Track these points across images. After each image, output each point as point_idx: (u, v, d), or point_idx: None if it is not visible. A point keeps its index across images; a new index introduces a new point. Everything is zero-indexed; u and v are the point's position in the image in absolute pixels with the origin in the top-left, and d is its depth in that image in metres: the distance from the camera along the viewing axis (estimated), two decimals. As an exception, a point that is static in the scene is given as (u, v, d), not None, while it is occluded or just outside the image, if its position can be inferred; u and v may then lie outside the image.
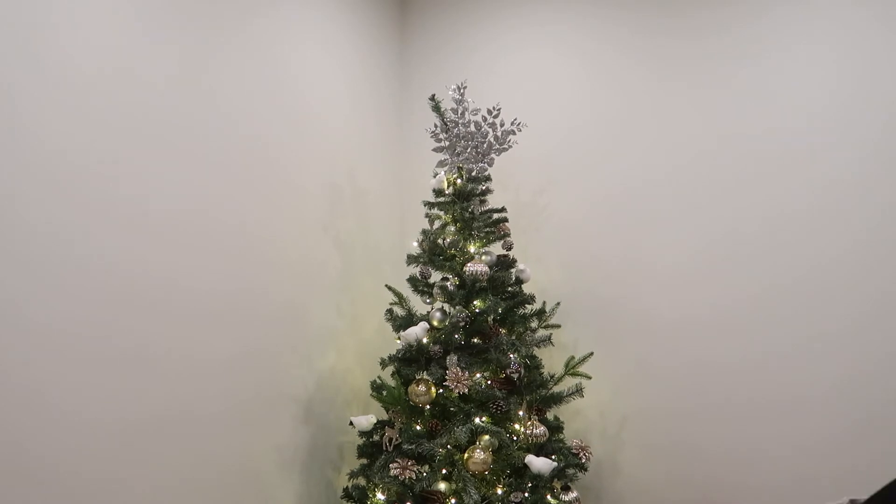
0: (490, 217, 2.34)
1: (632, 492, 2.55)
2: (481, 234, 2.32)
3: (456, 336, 2.21)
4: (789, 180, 2.32)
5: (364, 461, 2.29)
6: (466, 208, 2.31)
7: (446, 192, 2.34)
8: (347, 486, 2.31)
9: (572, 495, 2.14)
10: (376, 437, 2.29)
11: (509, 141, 2.33)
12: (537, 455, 2.16)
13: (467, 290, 2.23)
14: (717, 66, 2.45)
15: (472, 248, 2.30)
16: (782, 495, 2.27)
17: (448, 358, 2.17)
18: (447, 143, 2.35)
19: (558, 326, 2.48)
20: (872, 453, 2.14)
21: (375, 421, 2.31)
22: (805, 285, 2.27)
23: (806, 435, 2.25)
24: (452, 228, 2.33)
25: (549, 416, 2.37)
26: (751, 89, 2.39)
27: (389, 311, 2.37)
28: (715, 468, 2.40)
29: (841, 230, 2.23)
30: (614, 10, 2.64)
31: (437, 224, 2.37)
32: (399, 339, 2.25)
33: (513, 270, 2.36)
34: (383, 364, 2.28)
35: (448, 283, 2.27)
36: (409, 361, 2.23)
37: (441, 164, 2.36)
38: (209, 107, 2.07)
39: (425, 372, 2.19)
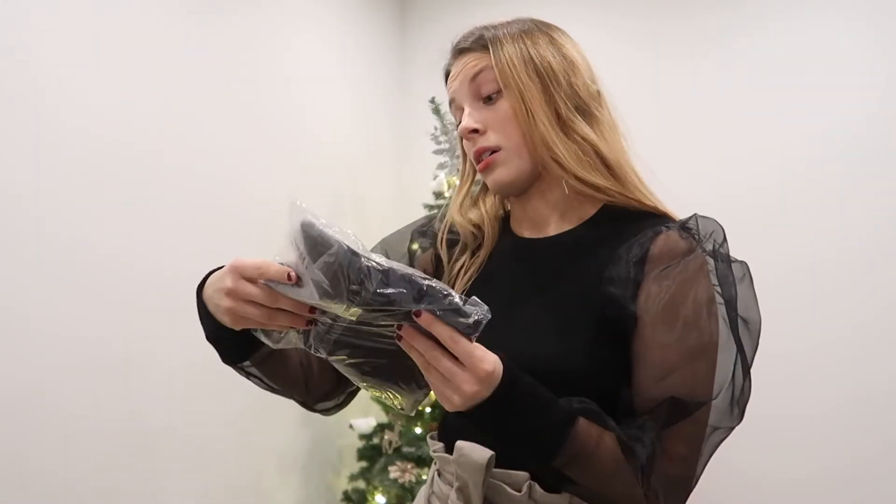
0: (490, 219, 2.33)
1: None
2: (481, 237, 2.31)
3: (456, 339, 2.20)
4: (787, 155, 2.27)
5: (364, 464, 2.29)
6: (466, 211, 2.30)
7: (446, 195, 2.34)
8: (347, 490, 2.31)
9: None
10: (376, 440, 2.29)
11: (509, 143, 2.32)
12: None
13: (467, 292, 2.22)
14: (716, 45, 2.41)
15: (472, 251, 2.29)
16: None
17: (448, 361, 2.16)
18: (447, 146, 2.35)
19: (558, 329, 2.46)
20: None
21: (375, 424, 2.30)
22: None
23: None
24: (453, 231, 2.32)
25: (550, 419, 2.36)
26: (749, 65, 2.34)
27: (389, 314, 2.36)
28: (718, 473, 2.35)
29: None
30: (618, 5, 2.60)
31: (437, 226, 2.37)
32: (399, 341, 2.24)
33: (513, 273, 2.35)
34: (383, 367, 2.27)
35: (448, 286, 2.26)
36: (409, 364, 2.22)
37: (441, 166, 2.36)
38: (209, 109, 2.06)
39: (425, 375, 2.18)
